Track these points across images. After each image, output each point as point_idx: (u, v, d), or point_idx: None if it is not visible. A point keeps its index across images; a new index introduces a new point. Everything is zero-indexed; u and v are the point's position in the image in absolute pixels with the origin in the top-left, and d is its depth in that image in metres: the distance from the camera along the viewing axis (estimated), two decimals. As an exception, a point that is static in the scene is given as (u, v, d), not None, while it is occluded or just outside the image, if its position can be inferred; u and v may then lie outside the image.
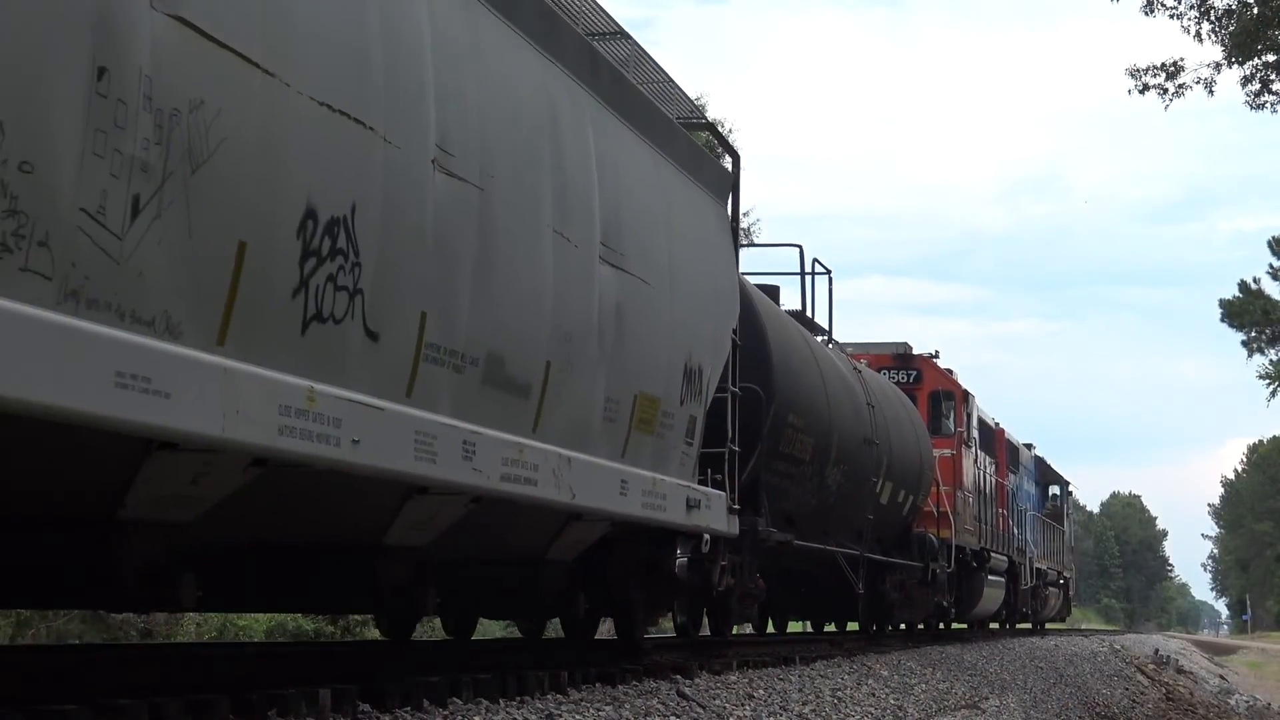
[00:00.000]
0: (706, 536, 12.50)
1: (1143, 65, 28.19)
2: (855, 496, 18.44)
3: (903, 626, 24.95)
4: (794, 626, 25.46)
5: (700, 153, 12.91)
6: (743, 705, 11.39)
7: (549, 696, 9.50)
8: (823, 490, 16.98)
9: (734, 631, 16.26)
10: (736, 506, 13.06)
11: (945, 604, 24.99)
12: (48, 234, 5.43)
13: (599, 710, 9.39)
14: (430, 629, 24.52)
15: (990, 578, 29.24)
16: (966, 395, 27.84)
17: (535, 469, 9.18)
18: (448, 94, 8.15)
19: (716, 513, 12.55)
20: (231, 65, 6.32)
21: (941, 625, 28.34)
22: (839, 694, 13.54)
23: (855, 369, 19.61)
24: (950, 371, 28.32)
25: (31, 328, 5.29)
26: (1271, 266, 69.84)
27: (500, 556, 10.65)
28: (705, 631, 15.99)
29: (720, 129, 11.18)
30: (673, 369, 11.66)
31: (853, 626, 23.71)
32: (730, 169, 13.50)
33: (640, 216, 11.00)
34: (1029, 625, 39.20)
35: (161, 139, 5.93)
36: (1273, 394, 66.02)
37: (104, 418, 5.68)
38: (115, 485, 6.48)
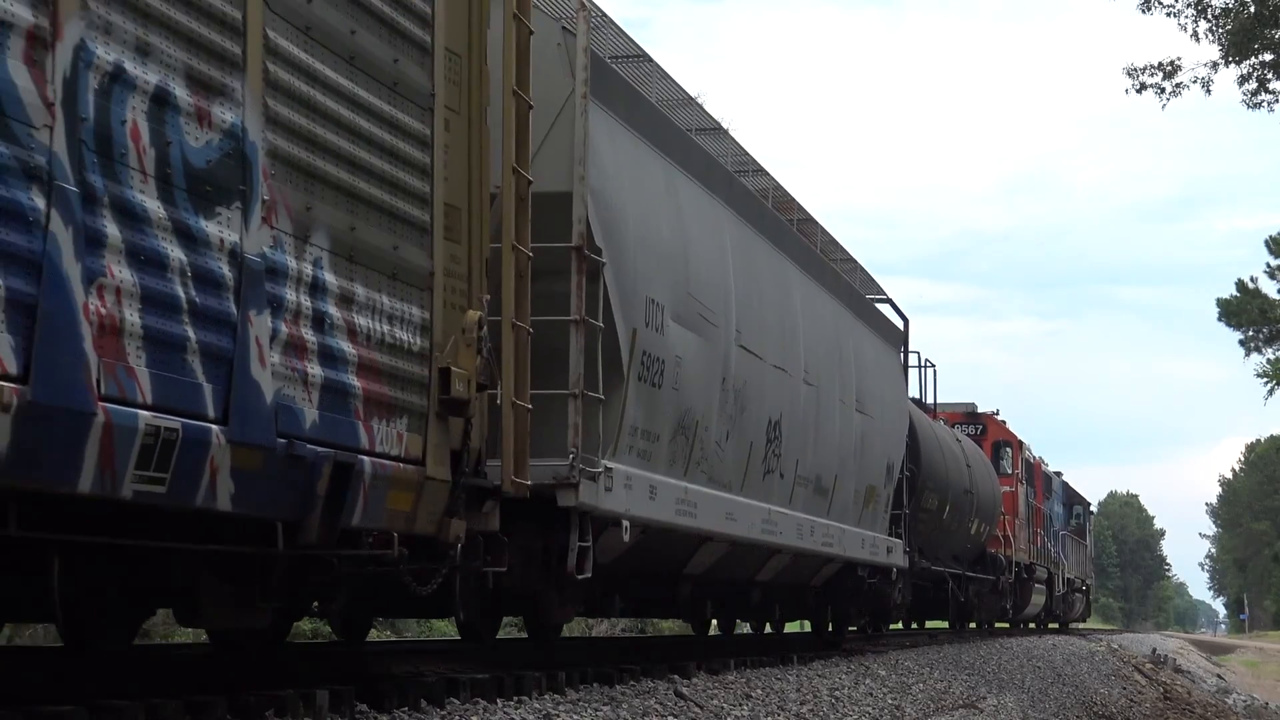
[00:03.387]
0: (895, 568, 19.55)
1: (1140, 64, 28.31)
2: (958, 531, 25.64)
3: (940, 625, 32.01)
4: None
5: (886, 320, 20.04)
6: (740, 705, 11.37)
7: (546, 696, 9.40)
8: (940, 529, 24.11)
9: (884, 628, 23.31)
10: (908, 549, 20.17)
11: (1007, 607, 32.43)
12: (706, 456, 12.50)
13: (597, 710, 9.30)
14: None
15: (1036, 585, 36.56)
16: (1020, 444, 35.24)
17: (832, 536, 16.30)
18: (807, 338, 15.22)
19: (898, 553, 19.67)
20: (751, 360, 13.40)
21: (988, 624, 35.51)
22: (836, 693, 13.64)
23: (957, 439, 26.76)
24: (1004, 423, 35.62)
25: (709, 499, 12.35)
26: (1269, 265, 68.12)
27: (790, 583, 17.72)
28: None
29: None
30: (880, 467, 18.75)
31: (932, 624, 30.92)
32: (902, 327, 20.61)
33: (869, 376, 18.07)
34: (1056, 625, 46.19)
35: (735, 403, 12.99)
36: (1270, 393, 64.96)
37: (721, 534, 12.78)
38: (683, 559, 13.53)
